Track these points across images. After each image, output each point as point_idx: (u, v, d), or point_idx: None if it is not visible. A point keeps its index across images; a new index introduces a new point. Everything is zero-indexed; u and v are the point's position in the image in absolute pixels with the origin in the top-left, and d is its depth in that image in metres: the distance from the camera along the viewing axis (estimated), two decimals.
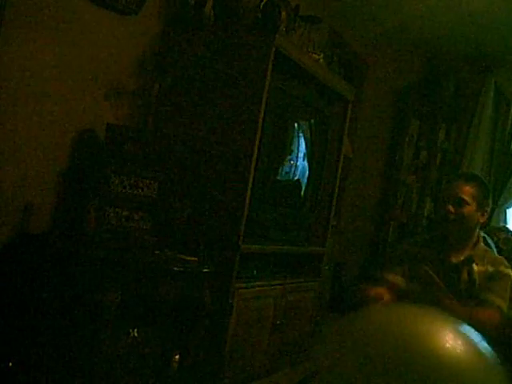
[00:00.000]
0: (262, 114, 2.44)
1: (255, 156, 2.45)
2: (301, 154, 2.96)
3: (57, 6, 2.17)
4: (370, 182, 4.73)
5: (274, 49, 2.44)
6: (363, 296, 1.93)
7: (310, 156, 3.05)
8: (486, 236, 2.23)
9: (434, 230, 2.06)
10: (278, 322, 2.80)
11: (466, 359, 1.27)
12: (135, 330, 2.11)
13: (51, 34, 2.18)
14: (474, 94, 4.48)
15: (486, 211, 2.06)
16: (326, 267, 3.40)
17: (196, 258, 2.25)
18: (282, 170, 2.89)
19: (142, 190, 2.27)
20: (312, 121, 3.06)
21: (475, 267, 1.98)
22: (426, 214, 4.52)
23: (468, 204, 1.98)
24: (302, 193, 3.07)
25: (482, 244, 2.08)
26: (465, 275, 1.98)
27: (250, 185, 2.45)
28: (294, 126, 2.95)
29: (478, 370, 1.26)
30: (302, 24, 2.93)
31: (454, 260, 2.02)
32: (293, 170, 2.94)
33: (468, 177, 2.09)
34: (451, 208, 1.98)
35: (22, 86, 2.11)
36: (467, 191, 1.99)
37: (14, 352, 1.97)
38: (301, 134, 3.00)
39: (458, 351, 1.26)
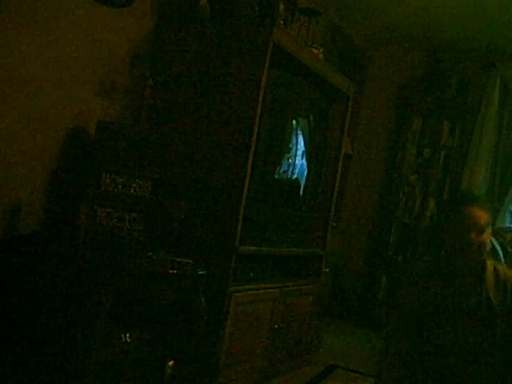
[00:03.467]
0: (259, 111, 2.40)
1: (252, 154, 2.41)
2: (299, 152, 2.93)
3: None
4: (371, 181, 4.67)
5: (271, 43, 2.39)
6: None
7: (308, 154, 3.01)
8: (491, 238, 2.17)
9: (442, 257, 2.03)
10: (275, 327, 2.76)
11: None
12: (127, 334, 2.06)
13: (40, 28, 2.13)
14: (478, 89, 4.40)
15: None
16: (326, 269, 3.35)
17: (191, 260, 2.20)
18: (279, 169, 2.84)
19: (135, 190, 2.22)
20: (311, 117, 3.02)
21: (488, 288, 1.95)
22: (429, 214, 4.46)
23: (485, 231, 1.95)
24: (301, 192, 3.02)
25: (489, 268, 2.03)
26: (474, 298, 1.95)
27: (247, 184, 2.41)
28: (292, 123, 2.91)
29: None
30: (300, 17, 2.89)
31: (461, 282, 1.98)
32: (291, 168, 2.91)
33: (479, 201, 2.04)
34: (474, 236, 1.92)
35: (11, 82, 2.06)
36: (483, 217, 1.94)
37: (2, 355, 1.92)
38: (299, 132, 2.96)
39: None
